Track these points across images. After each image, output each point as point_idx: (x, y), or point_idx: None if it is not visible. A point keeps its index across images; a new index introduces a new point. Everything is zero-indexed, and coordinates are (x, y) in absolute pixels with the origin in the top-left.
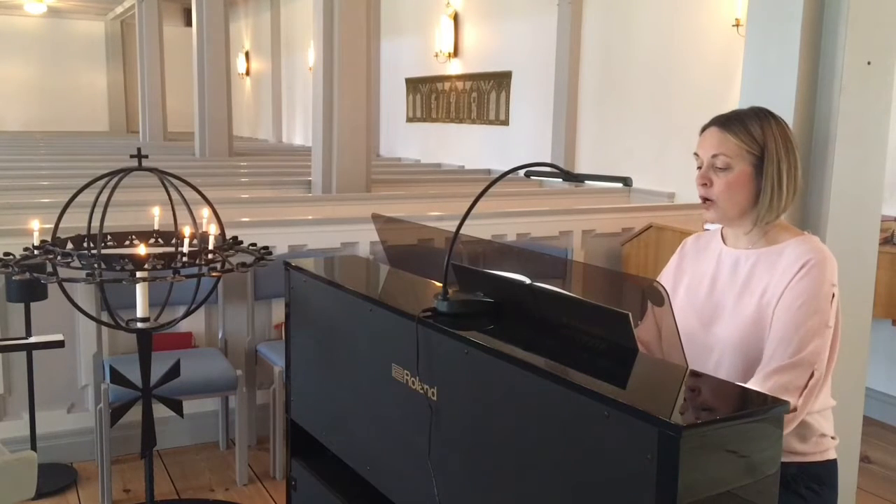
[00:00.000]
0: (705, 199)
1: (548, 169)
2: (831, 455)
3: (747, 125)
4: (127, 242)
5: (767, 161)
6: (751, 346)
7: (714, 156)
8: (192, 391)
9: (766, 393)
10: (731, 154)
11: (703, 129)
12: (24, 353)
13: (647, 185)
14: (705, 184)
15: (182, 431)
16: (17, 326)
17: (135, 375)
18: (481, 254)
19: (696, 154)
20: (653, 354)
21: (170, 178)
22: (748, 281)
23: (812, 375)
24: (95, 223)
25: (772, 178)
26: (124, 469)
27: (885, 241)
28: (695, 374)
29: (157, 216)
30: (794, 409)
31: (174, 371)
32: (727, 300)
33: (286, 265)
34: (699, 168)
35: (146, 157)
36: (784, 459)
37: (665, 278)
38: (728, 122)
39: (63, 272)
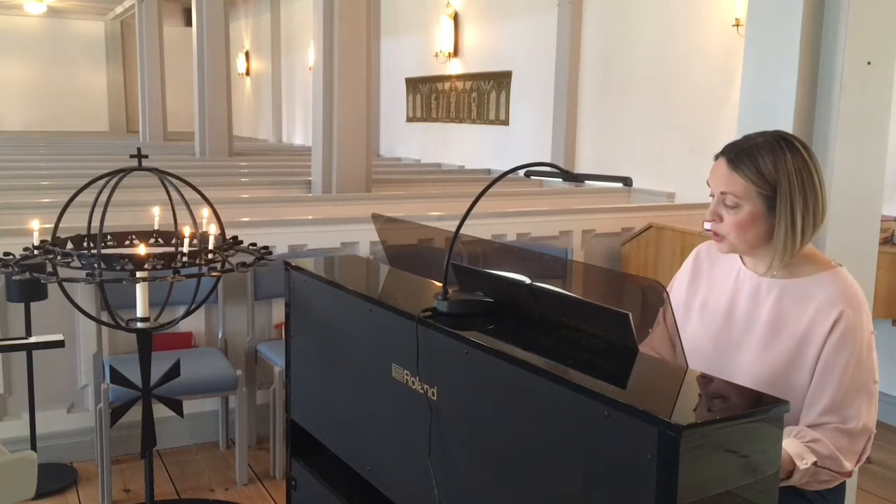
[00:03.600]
0: (716, 233)
1: (548, 169)
2: None
3: (758, 162)
4: (127, 242)
5: (780, 200)
6: (780, 383)
7: (723, 193)
8: (192, 391)
9: (825, 452)
10: (740, 194)
11: (716, 157)
12: (24, 353)
13: (647, 184)
14: (714, 220)
15: (182, 431)
16: (17, 326)
17: (135, 375)
18: (481, 254)
19: (707, 183)
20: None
21: (170, 178)
22: (776, 319)
23: (869, 438)
24: (95, 223)
25: (785, 218)
26: (124, 469)
27: (885, 241)
28: (695, 374)
29: (157, 216)
30: (850, 474)
31: (174, 371)
32: (748, 331)
33: (286, 265)
34: (711, 196)
35: (146, 157)
36: None
37: (677, 291)
38: (738, 158)
39: (63, 272)
